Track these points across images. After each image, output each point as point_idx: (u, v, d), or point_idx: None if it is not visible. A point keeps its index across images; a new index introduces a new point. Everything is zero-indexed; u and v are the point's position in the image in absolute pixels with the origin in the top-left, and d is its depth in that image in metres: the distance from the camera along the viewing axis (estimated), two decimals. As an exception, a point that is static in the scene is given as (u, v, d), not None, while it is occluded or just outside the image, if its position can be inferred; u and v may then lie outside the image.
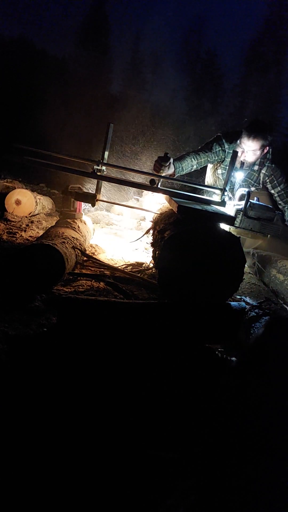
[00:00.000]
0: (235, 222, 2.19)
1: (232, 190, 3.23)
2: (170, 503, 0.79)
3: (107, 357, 1.46)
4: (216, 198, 2.53)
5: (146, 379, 1.37)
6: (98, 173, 2.43)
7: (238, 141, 3.09)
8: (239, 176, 3.18)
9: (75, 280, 2.22)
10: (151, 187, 2.31)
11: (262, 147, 3.05)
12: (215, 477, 0.97)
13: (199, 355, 1.62)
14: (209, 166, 3.48)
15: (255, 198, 2.99)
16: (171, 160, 2.64)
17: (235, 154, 2.32)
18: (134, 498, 0.89)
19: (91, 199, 2.54)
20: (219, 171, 3.36)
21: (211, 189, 3.10)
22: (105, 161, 2.49)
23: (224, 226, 1.89)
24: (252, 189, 3.28)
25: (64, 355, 1.43)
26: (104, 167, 2.47)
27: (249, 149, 3.03)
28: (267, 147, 3.10)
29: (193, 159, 3.07)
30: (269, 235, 2.32)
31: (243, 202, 2.33)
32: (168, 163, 2.59)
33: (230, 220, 1.79)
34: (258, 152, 3.07)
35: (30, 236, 3.02)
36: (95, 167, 2.41)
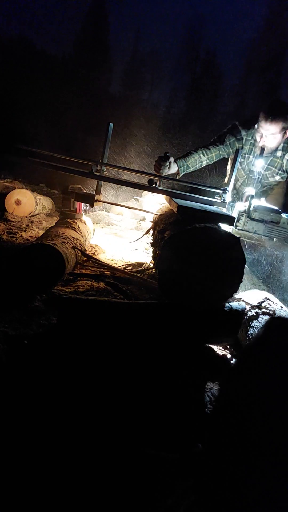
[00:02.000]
0: (239, 224, 2.13)
1: (241, 189, 3.07)
2: (170, 503, 0.79)
3: (107, 357, 1.46)
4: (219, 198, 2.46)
5: (146, 379, 1.37)
6: (97, 173, 2.40)
7: (256, 126, 2.85)
8: (259, 164, 2.94)
9: (75, 280, 2.23)
10: (150, 187, 2.28)
11: (283, 130, 2.77)
12: (215, 477, 0.97)
13: (199, 355, 1.62)
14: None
15: (262, 199, 2.89)
16: (171, 159, 2.61)
17: (237, 152, 2.26)
18: (135, 497, 0.89)
19: (90, 199, 2.50)
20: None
21: (212, 190, 3.00)
22: (104, 161, 2.46)
23: (226, 227, 1.87)
24: (277, 178, 3.06)
25: (64, 355, 1.43)
26: (103, 167, 2.44)
27: (268, 133, 2.77)
28: None
29: (202, 155, 2.94)
30: (274, 239, 2.18)
31: (245, 203, 2.23)
32: (167, 163, 2.56)
33: (230, 220, 1.79)
34: (279, 136, 2.79)
35: (30, 236, 3.02)
36: (94, 167, 2.38)
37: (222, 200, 2.27)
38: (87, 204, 2.69)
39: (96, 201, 2.52)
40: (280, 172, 3.01)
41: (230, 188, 2.30)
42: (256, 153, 2.95)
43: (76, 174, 2.40)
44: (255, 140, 2.94)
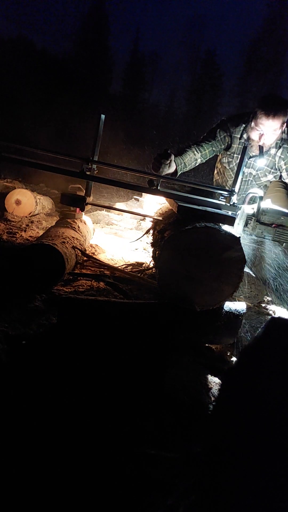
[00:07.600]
0: (247, 229, 1.98)
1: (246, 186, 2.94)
2: (170, 503, 0.79)
3: (107, 357, 1.46)
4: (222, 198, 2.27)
5: (146, 379, 1.37)
6: (88, 173, 2.12)
7: (253, 124, 2.74)
8: (261, 163, 2.86)
9: (75, 280, 2.22)
10: (150, 189, 2.06)
11: (283, 124, 2.69)
12: (215, 477, 0.97)
13: (199, 355, 1.62)
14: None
15: (268, 200, 2.76)
16: (172, 157, 2.48)
17: (244, 149, 2.09)
18: (135, 498, 0.89)
19: (80, 202, 2.20)
20: (224, 159, 3.08)
21: (218, 191, 2.58)
22: (95, 159, 2.19)
23: (226, 228, 1.80)
24: (270, 177, 2.98)
25: (64, 355, 1.43)
26: (95, 166, 2.17)
27: (270, 130, 2.67)
28: (285, 124, 2.73)
29: (196, 152, 2.83)
30: (284, 244, 2.02)
31: (253, 205, 2.02)
32: (169, 161, 2.44)
33: (230, 220, 1.78)
34: (279, 131, 2.72)
35: (30, 236, 3.02)
36: (85, 165, 2.10)
37: (232, 203, 2.07)
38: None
39: (87, 204, 2.24)
40: (272, 170, 2.93)
41: (236, 189, 2.11)
42: (254, 153, 2.86)
43: (62, 173, 2.15)
44: (245, 140, 2.85)
